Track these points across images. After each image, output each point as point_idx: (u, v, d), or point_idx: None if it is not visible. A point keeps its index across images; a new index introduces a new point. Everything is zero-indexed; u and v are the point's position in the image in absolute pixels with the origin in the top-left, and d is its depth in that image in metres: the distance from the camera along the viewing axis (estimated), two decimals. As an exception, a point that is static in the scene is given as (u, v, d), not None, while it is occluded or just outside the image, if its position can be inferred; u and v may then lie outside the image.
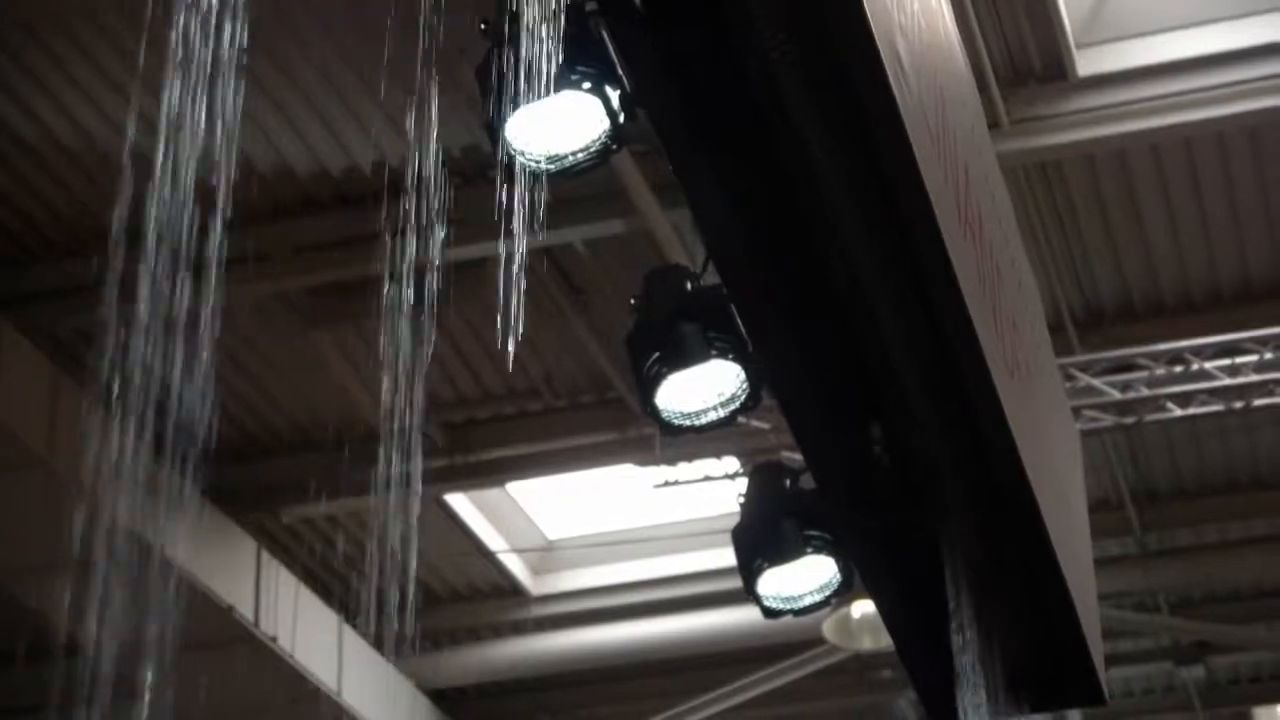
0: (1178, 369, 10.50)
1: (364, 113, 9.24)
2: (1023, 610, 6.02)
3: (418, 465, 5.62)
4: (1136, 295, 10.92)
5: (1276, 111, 9.46)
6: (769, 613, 6.19)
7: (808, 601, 6.21)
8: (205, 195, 10.58)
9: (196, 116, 9.34)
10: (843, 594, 6.20)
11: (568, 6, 4.45)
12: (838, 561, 6.12)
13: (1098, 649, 6.28)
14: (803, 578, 6.17)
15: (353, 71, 9.02)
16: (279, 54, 8.91)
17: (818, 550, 6.05)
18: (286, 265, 9.92)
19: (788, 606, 6.22)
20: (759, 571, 6.07)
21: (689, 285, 5.58)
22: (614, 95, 4.72)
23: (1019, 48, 9.49)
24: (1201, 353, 10.47)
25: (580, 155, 4.80)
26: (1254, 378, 10.40)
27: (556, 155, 4.82)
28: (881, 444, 5.57)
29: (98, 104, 9.10)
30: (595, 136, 4.80)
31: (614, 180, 9.12)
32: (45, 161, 9.46)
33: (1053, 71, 9.56)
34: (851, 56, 4.31)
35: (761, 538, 6.05)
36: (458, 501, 12.44)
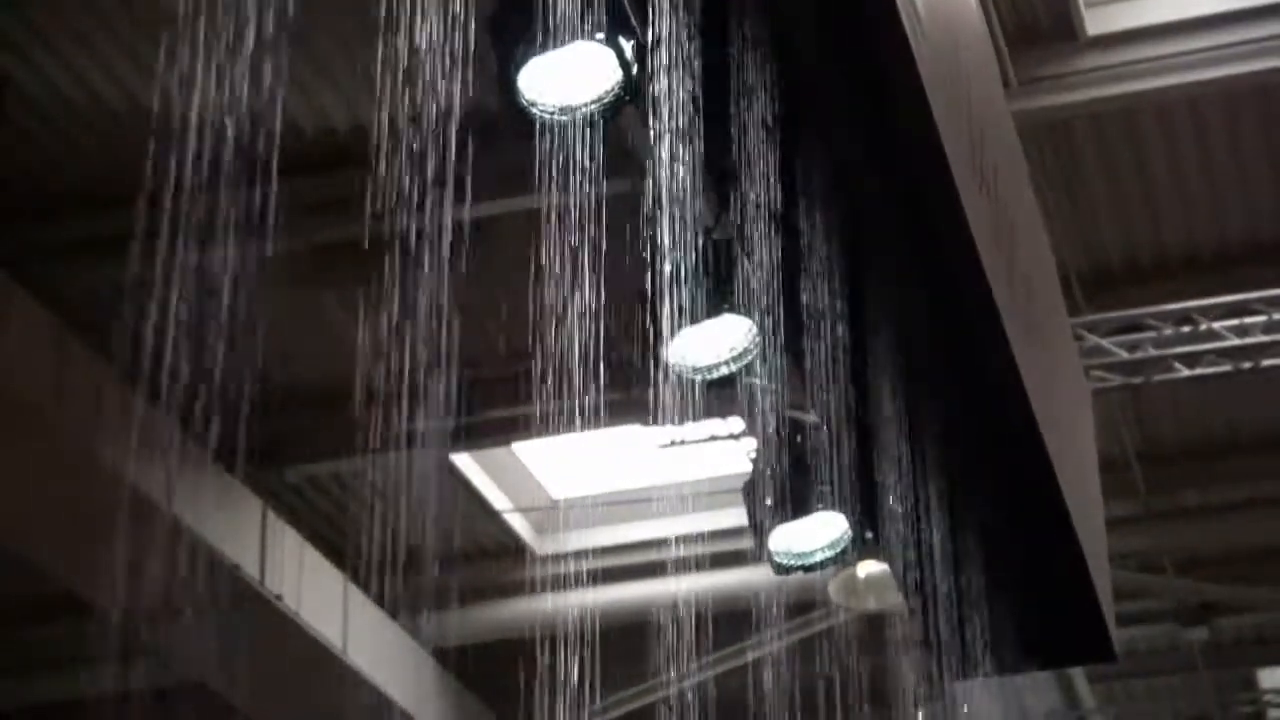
0: (1185, 329, 10.46)
1: (371, 70, 9.19)
2: (1036, 566, 6.01)
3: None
4: (1144, 255, 10.89)
5: (1285, 70, 9.42)
6: (780, 569, 6.18)
7: (819, 558, 6.19)
8: (212, 153, 10.53)
9: (207, 76, 9.30)
10: (854, 550, 6.19)
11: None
12: (849, 518, 6.10)
13: (1109, 606, 6.27)
14: (814, 534, 6.15)
15: (358, 26, 8.98)
16: (282, 9, 8.86)
17: (829, 507, 6.04)
18: (293, 223, 9.88)
19: (798, 563, 6.20)
20: (770, 528, 6.05)
21: (701, 240, 5.56)
22: (627, 46, 4.68)
23: (1027, 6, 9.43)
24: (1209, 313, 10.43)
25: (593, 107, 4.76)
26: (1262, 338, 10.37)
27: (569, 106, 4.77)
28: (895, 400, 5.55)
29: (105, 62, 9.05)
30: (608, 88, 4.76)
31: (622, 137, 9.08)
32: (52, 120, 9.41)
33: (1061, 30, 9.50)
34: (868, 6, 4.28)
35: (773, 494, 6.03)
36: (463, 461, 12.42)
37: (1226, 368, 10.54)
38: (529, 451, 12.82)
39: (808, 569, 6.22)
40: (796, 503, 6.00)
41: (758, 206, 4.76)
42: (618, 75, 4.72)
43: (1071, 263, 10.61)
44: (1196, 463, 12.70)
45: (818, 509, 6.01)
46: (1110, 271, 10.97)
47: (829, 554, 6.15)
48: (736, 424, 11.04)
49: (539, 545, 13.33)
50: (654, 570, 13.05)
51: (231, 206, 11.11)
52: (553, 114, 4.77)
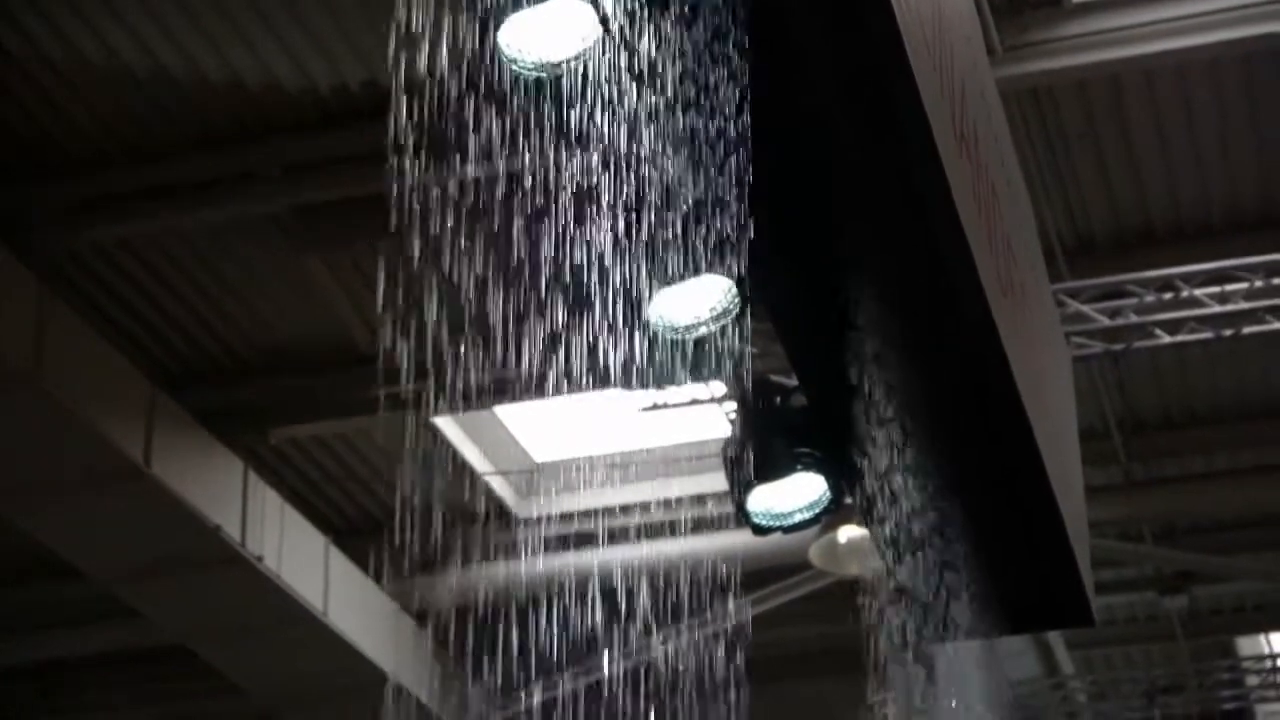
0: (1167, 296, 10.44)
1: (354, 29, 9.17)
2: (1013, 530, 6.01)
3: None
4: (1127, 222, 10.89)
5: (1270, 38, 9.40)
6: (758, 529, 6.18)
7: (797, 519, 6.20)
8: (197, 114, 10.48)
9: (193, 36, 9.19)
10: (832, 512, 6.19)
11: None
12: (827, 479, 6.10)
13: (1087, 571, 6.28)
14: (792, 495, 6.15)
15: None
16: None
17: (807, 468, 6.04)
18: (274, 185, 9.87)
19: (777, 524, 6.20)
20: (748, 488, 6.05)
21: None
22: (607, 1, 4.65)
23: (1011, -28, 9.43)
24: (1191, 280, 10.42)
25: (573, 64, 4.73)
26: (1244, 305, 10.35)
27: (549, 63, 4.74)
28: (874, 362, 5.54)
29: (92, 24, 9.01)
30: (589, 45, 4.73)
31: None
32: (38, 82, 9.38)
33: (1046, -5, 9.51)
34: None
35: (752, 454, 6.03)
36: (444, 424, 12.42)
37: (1208, 335, 10.53)
38: (511, 414, 12.83)
39: (786, 530, 6.22)
40: (775, 464, 6.01)
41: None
42: (598, 31, 4.69)
43: (1054, 229, 10.62)
44: (1177, 431, 12.73)
45: (797, 470, 6.02)
46: (1093, 238, 10.99)
47: (807, 515, 6.15)
48: (718, 388, 11.08)
49: (521, 509, 13.34)
50: (636, 534, 13.06)
51: (214, 168, 11.06)
52: (532, 71, 4.73)
